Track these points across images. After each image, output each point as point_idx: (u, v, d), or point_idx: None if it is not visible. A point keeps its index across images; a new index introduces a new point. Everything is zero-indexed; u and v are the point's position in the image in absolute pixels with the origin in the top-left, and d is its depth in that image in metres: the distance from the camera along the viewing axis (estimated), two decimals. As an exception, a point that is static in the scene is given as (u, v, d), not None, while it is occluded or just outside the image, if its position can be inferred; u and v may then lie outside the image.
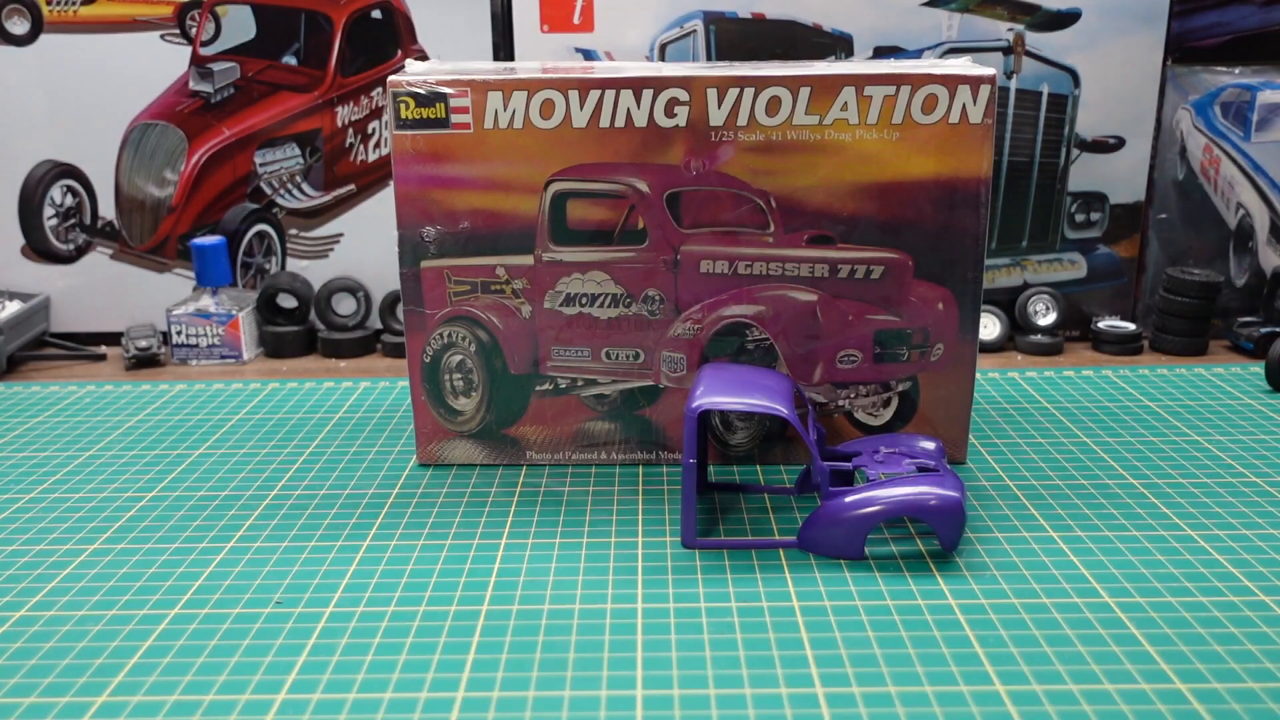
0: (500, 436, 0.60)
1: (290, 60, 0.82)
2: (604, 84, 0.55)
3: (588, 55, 0.80)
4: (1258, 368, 0.76)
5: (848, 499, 0.49)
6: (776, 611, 0.45)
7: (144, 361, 0.81)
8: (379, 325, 0.85)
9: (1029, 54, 0.80)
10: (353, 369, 0.80)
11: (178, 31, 0.81)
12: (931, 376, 0.59)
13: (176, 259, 0.85)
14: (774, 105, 0.55)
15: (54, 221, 0.85)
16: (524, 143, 0.56)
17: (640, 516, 0.54)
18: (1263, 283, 0.83)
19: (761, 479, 0.59)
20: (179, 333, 0.81)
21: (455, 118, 0.56)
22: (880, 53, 0.80)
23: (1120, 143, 0.82)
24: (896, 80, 0.55)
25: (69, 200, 0.84)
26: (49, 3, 0.80)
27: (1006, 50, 0.79)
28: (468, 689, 0.40)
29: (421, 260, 0.58)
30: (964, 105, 0.55)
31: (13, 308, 0.81)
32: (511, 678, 0.41)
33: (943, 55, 0.79)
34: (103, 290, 0.86)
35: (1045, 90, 0.80)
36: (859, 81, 0.55)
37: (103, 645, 0.43)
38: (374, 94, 0.82)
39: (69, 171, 0.84)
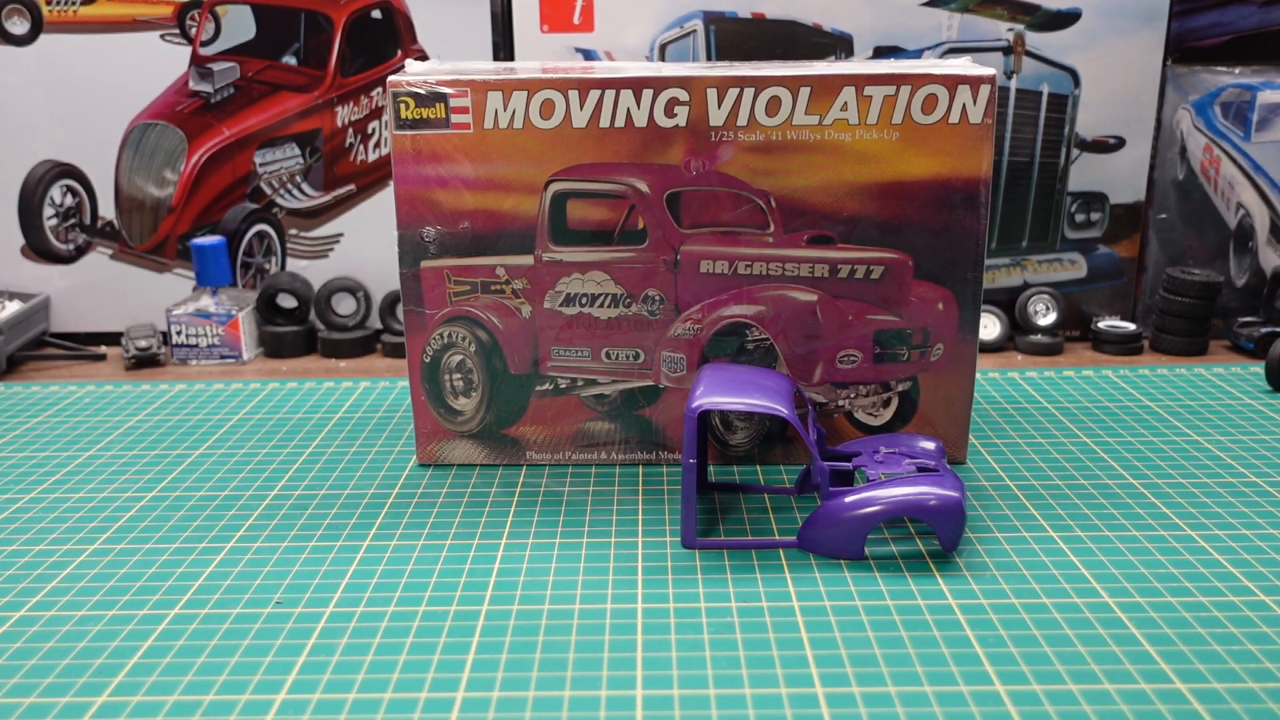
0: (500, 436, 0.60)
1: (290, 60, 0.82)
2: (604, 84, 0.55)
3: (588, 55, 0.80)
4: (1258, 368, 0.76)
5: (848, 499, 0.49)
6: (776, 611, 0.45)
7: (144, 361, 0.81)
8: (379, 325, 0.85)
9: (1029, 54, 0.80)
10: (353, 369, 0.80)
11: (178, 31, 0.81)
12: (931, 376, 0.59)
13: (176, 259, 0.85)
14: (774, 105, 0.55)
15: (54, 221, 0.85)
16: (524, 143, 0.56)
17: (640, 516, 0.54)
18: (1263, 283, 0.84)
19: (761, 479, 0.59)
20: (179, 333, 0.81)
21: (455, 118, 0.56)
22: (880, 53, 0.80)
23: (1120, 143, 0.82)
24: (896, 80, 0.55)
25: (69, 200, 0.84)
26: (49, 3, 0.80)
27: (1006, 50, 0.79)
28: (468, 689, 0.40)
29: (421, 260, 0.58)
30: (964, 105, 0.55)
31: (13, 308, 0.81)
32: (511, 678, 0.41)
33: (943, 55, 0.79)
34: (103, 290, 0.86)
35: (1045, 90, 0.80)
36: (859, 81, 0.55)
37: (103, 645, 0.43)
38: (374, 94, 0.82)
39: (69, 171, 0.84)
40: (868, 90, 0.55)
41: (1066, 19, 0.79)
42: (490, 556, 0.50)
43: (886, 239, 0.57)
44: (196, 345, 0.81)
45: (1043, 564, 0.49)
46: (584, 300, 0.58)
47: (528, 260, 0.58)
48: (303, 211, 0.84)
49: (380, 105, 0.82)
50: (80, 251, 0.85)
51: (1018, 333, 0.82)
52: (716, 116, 0.55)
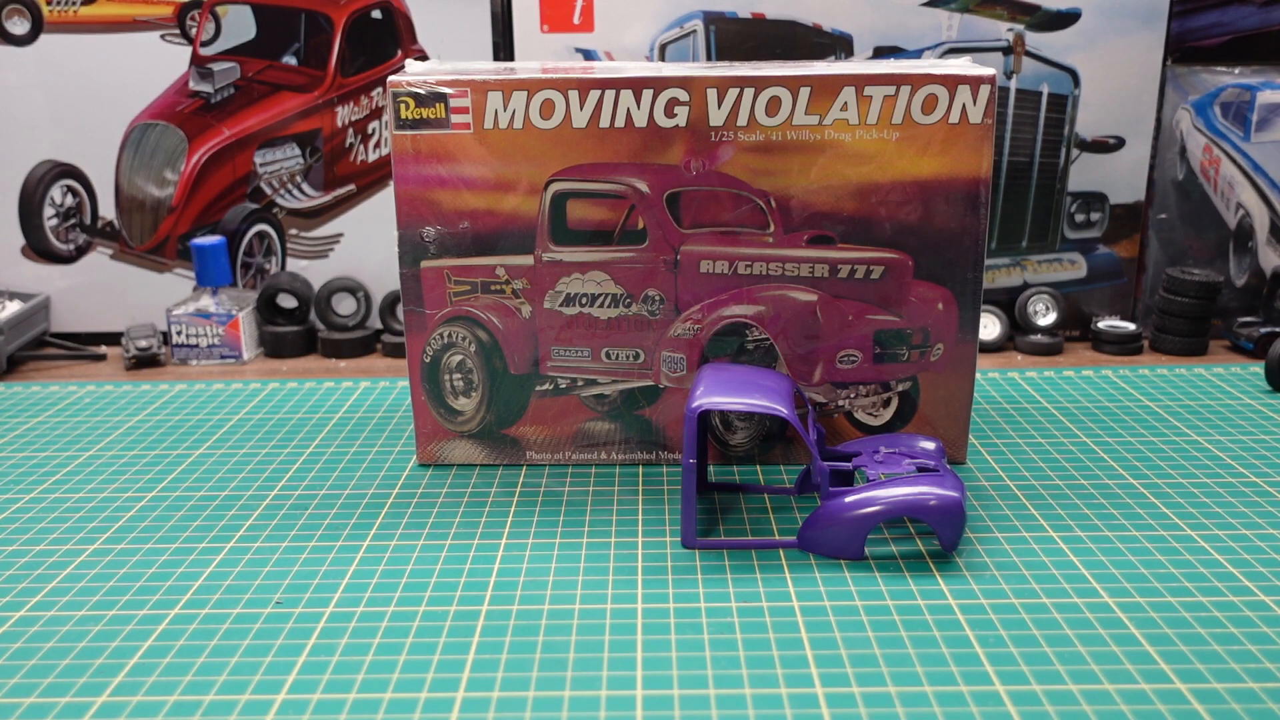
0: (500, 436, 0.60)
1: (290, 60, 0.82)
2: (604, 84, 0.55)
3: (588, 55, 0.80)
4: (1258, 368, 0.76)
5: (848, 499, 0.49)
6: (776, 611, 0.45)
7: (144, 361, 0.81)
8: (379, 325, 0.85)
9: (1029, 54, 0.80)
10: (353, 369, 0.80)
11: (178, 31, 0.81)
12: (931, 376, 0.59)
13: (176, 259, 0.85)
14: (774, 105, 0.55)
15: (54, 221, 0.85)
16: (524, 143, 0.56)
17: (640, 516, 0.54)
18: (1263, 283, 0.84)
19: (761, 479, 0.59)
20: (179, 333, 0.81)
21: (455, 118, 0.56)
22: (880, 53, 0.80)
23: (1120, 143, 0.82)
24: (896, 80, 0.55)
25: (69, 200, 0.84)
26: (49, 3, 0.80)
27: (1006, 50, 0.79)
28: (468, 689, 0.40)
29: (421, 260, 0.58)
30: (964, 105, 0.55)
31: (13, 308, 0.81)
32: (511, 678, 0.41)
33: (943, 55, 0.79)
34: (103, 290, 0.86)
35: (1045, 90, 0.80)
36: (859, 81, 0.55)
37: (103, 645, 0.43)
38: (374, 94, 0.82)
39: (69, 171, 0.84)
40: (868, 90, 0.55)
41: (1066, 19, 0.79)
42: (490, 556, 0.50)
43: (886, 239, 0.57)
44: (196, 345, 0.81)
45: (1043, 564, 0.49)
46: (584, 300, 0.58)
47: (528, 260, 0.58)
48: (303, 211, 0.84)
49: (380, 105, 0.82)
50: (80, 251, 0.85)
51: (1018, 333, 0.82)
52: (716, 116, 0.55)
